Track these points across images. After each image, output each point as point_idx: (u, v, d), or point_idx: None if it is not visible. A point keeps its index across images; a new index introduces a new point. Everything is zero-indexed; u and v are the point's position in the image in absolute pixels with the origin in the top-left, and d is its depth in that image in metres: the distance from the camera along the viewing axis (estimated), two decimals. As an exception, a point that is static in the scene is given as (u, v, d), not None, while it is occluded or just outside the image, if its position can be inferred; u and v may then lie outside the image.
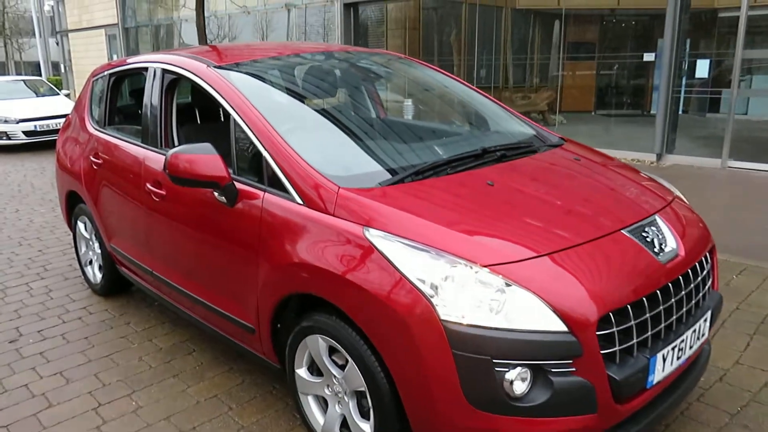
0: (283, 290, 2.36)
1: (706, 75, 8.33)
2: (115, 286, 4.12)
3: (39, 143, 11.90)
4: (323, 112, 2.95)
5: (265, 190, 2.46)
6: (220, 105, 2.78)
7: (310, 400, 2.49)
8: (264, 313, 2.50)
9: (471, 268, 1.92)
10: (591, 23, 11.48)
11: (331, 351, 2.32)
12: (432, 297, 1.90)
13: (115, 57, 19.91)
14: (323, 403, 2.47)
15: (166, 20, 17.72)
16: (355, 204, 2.18)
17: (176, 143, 3.20)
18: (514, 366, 1.85)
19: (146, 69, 3.37)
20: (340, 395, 2.33)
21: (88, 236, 4.21)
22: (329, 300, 2.16)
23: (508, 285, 1.89)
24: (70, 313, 3.97)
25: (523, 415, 1.87)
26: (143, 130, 3.30)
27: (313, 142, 2.58)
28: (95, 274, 4.22)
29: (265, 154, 2.47)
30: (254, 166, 2.58)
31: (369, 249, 2.05)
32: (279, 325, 2.53)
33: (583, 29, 11.41)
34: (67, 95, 13.84)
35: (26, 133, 11.56)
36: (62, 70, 23.39)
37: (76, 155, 4.05)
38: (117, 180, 3.50)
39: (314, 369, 2.46)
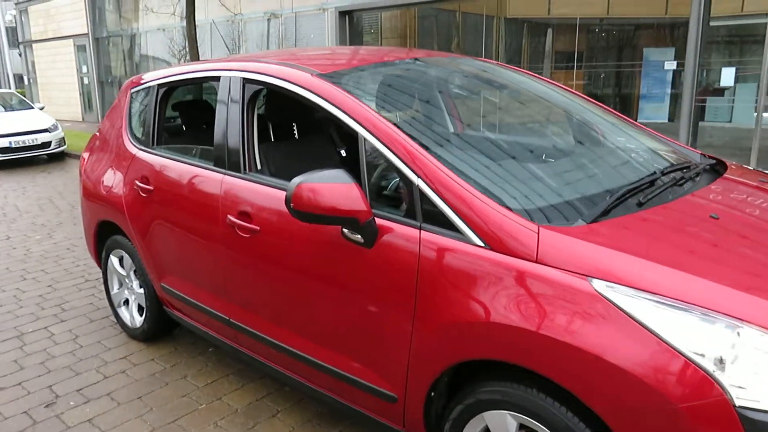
0: (456, 355, 1.87)
1: (731, 83, 8.15)
2: (159, 330, 3.55)
3: (14, 161, 11.07)
4: (467, 129, 2.47)
5: (420, 228, 1.97)
6: (324, 120, 2.29)
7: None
8: (419, 380, 2.00)
9: (761, 333, 1.47)
10: (581, 32, 11.32)
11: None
12: (717, 375, 1.44)
13: (85, 68, 18.94)
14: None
15: (140, 30, 16.90)
16: (568, 247, 1.71)
17: (259, 166, 2.68)
18: (833, 464, 1.41)
19: (217, 78, 2.84)
20: (534, 487, 1.84)
21: (124, 273, 3.62)
22: (543, 373, 1.67)
23: (812, 355, 1.45)
24: (110, 366, 3.38)
25: None
26: (216, 150, 2.76)
27: (476, 167, 2.10)
28: (133, 316, 3.63)
29: (418, 182, 1.98)
30: (398, 197, 2.09)
31: (605, 307, 1.58)
32: (432, 394, 2.04)
33: (572, 38, 11.24)
34: (41, 108, 12.94)
35: (0, 150, 10.71)
36: (26, 82, 22.23)
37: (112, 180, 3.47)
38: (179, 210, 2.95)
39: (483, 448, 1.98)
